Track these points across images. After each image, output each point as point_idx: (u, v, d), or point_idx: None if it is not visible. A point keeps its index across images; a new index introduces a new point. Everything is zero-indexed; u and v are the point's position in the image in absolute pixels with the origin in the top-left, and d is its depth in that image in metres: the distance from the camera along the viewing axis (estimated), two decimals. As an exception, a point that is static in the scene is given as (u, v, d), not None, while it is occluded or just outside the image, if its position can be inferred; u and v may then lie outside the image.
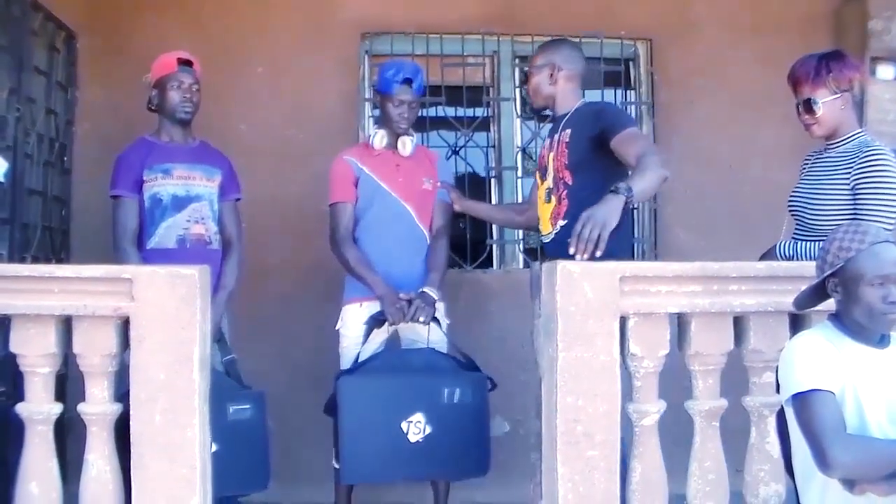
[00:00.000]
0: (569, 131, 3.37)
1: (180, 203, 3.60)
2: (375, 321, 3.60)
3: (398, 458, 3.35)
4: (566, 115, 3.44)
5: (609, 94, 4.91)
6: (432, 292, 3.59)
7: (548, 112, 3.67)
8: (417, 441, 3.35)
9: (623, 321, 2.64)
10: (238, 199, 3.82)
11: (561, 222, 3.36)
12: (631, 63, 4.97)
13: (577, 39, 4.69)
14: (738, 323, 2.75)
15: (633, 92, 4.97)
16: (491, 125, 4.99)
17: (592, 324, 2.58)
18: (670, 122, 4.82)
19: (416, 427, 3.35)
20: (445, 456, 3.38)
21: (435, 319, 3.60)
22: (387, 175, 3.72)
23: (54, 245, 4.33)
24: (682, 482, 2.75)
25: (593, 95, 4.85)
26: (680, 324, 2.76)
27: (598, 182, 3.05)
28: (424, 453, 3.34)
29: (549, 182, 3.45)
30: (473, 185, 4.88)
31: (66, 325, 2.58)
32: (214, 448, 3.18)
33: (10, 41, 3.83)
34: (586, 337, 2.58)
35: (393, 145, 3.71)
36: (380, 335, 3.63)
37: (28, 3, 3.96)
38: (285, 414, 3.87)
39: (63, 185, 4.46)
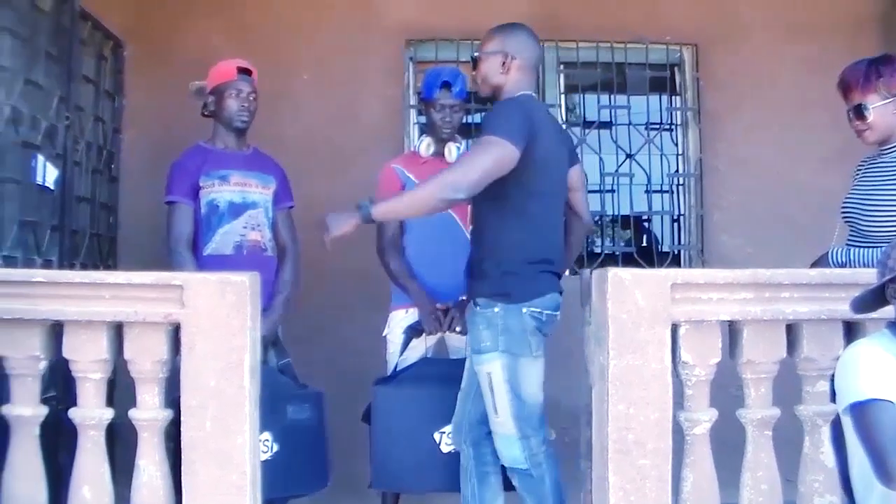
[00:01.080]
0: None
1: (237, 210, 3.60)
2: (413, 331, 3.59)
3: (430, 469, 3.34)
4: None
5: (654, 100, 4.87)
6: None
7: None
8: (450, 452, 3.34)
9: (674, 329, 2.61)
10: (291, 207, 3.83)
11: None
12: (676, 68, 4.94)
13: (622, 45, 4.74)
14: (791, 331, 2.71)
15: (678, 98, 4.93)
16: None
17: (644, 331, 2.56)
18: (716, 128, 4.78)
19: (450, 438, 3.34)
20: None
21: None
22: None
23: (102, 252, 4.38)
24: (728, 492, 2.70)
25: (639, 101, 4.85)
26: (731, 332, 2.72)
27: (493, 187, 2.93)
28: (457, 465, 3.29)
29: None
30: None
31: (118, 331, 2.59)
32: (276, 449, 3.29)
33: (60, 50, 3.87)
34: (637, 345, 2.55)
35: (440, 153, 3.70)
36: (420, 344, 3.62)
37: (76, 13, 4.01)
38: (333, 420, 3.85)
39: (111, 192, 4.51)
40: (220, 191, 3.58)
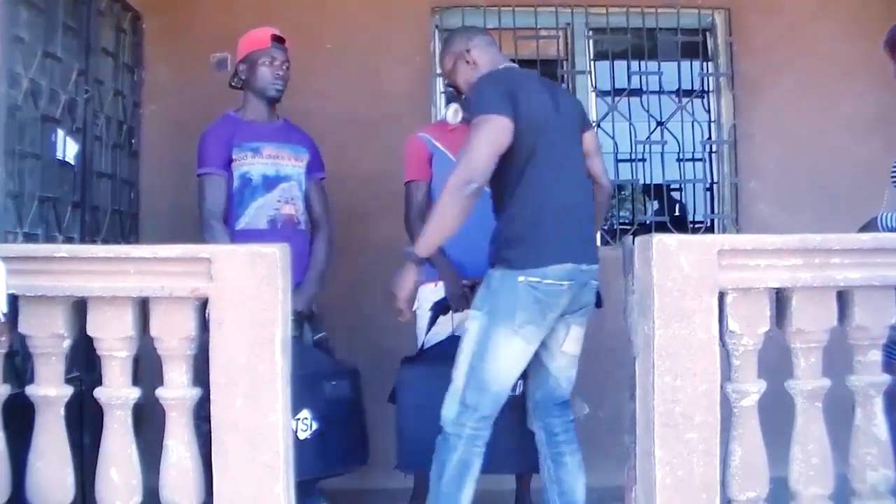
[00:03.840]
0: None
1: (270, 183, 3.53)
2: (440, 307, 3.50)
3: None
4: None
5: (686, 66, 4.75)
6: None
7: None
8: None
9: (721, 297, 2.50)
10: (323, 179, 3.75)
11: None
12: (708, 33, 4.80)
13: (652, 10, 4.61)
14: (842, 298, 2.59)
15: (710, 63, 4.80)
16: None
17: (690, 300, 2.46)
18: (751, 94, 4.64)
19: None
20: (507, 449, 3.21)
21: None
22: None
23: (123, 228, 4.30)
24: (775, 465, 2.59)
25: (670, 68, 4.72)
26: (780, 299, 2.61)
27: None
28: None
29: None
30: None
31: (143, 307, 2.51)
32: (315, 427, 3.23)
33: (78, 23, 3.78)
34: (683, 313, 2.46)
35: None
36: (447, 321, 3.52)
37: (94, -17, 3.92)
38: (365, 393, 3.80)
39: (131, 167, 4.42)
40: (253, 163, 3.51)
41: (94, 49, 3.90)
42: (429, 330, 3.50)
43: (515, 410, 3.16)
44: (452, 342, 3.39)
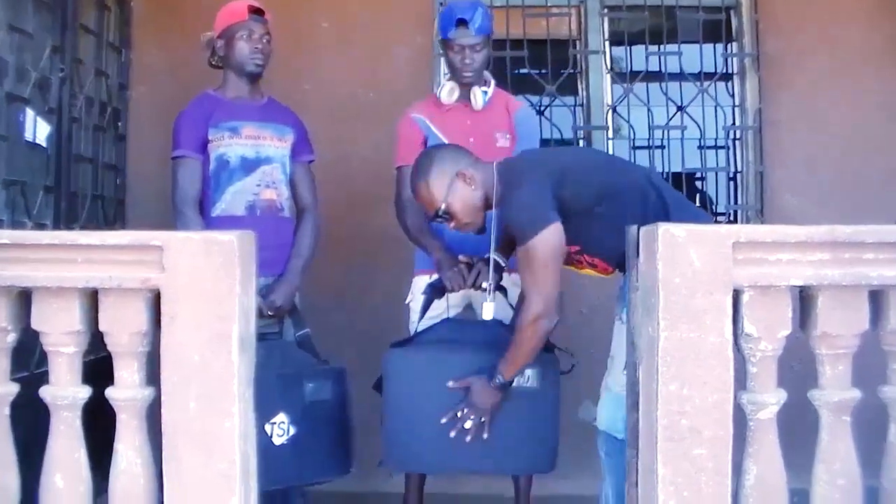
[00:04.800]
0: None
1: (249, 165, 3.31)
2: (434, 290, 3.22)
3: (451, 447, 2.93)
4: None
5: (708, 47, 4.50)
6: (500, 259, 3.12)
7: None
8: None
9: (736, 295, 2.22)
10: (311, 161, 3.53)
11: None
12: (732, 11, 4.53)
13: None
14: (874, 298, 2.31)
15: (735, 44, 4.53)
16: (578, 82, 4.61)
17: (700, 298, 2.17)
18: (778, 77, 4.38)
19: None
20: (507, 446, 2.97)
21: (501, 288, 3.17)
22: (457, 135, 3.32)
23: (107, 215, 4.12)
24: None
25: (691, 49, 4.46)
26: (803, 299, 2.32)
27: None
28: (482, 442, 2.93)
29: None
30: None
31: (93, 299, 2.27)
32: (293, 432, 3.02)
33: (52, -2, 3.56)
34: (693, 314, 2.17)
35: (465, 98, 3.33)
36: (441, 306, 3.26)
37: (70, -44, 3.70)
38: (353, 394, 3.57)
39: (118, 151, 4.24)
40: (231, 144, 3.30)
41: (70, 25, 3.69)
42: (422, 315, 3.23)
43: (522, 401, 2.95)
44: (450, 325, 3.17)
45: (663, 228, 2.18)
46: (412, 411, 2.95)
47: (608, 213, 2.78)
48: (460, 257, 3.18)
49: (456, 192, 2.87)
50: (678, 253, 2.18)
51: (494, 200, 2.87)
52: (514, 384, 2.90)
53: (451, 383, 2.92)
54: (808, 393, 2.32)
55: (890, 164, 4.12)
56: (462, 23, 3.24)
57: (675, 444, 2.18)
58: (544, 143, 4.09)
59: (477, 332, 3.12)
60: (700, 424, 2.18)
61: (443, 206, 2.88)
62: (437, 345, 3.05)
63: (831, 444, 2.31)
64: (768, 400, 2.28)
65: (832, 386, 2.31)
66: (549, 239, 2.69)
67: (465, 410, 2.86)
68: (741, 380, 2.27)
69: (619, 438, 2.76)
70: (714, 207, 4.74)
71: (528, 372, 2.94)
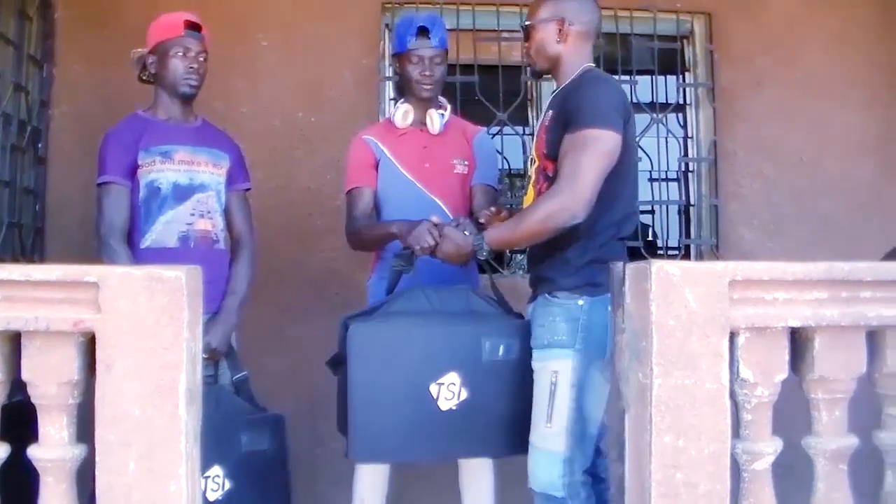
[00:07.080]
0: (551, 113, 2.78)
1: (183, 193, 3.08)
2: (401, 258, 2.84)
3: (425, 432, 2.70)
4: (562, 87, 2.83)
5: (661, 78, 4.42)
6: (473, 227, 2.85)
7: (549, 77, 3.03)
8: (450, 409, 2.69)
9: (731, 338, 2.07)
10: (248, 190, 3.31)
11: None
12: (686, 40, 4.48)
13: (626, 14, 4.25)
14: (871, 339, 2.18)
15: (689, 74, 4.48)
16: (529, 110, 4.50)
17: (696, 342, 2.02)
18: (733, 108, 4.32)
19: (449, 391, 2.68)
20: (485, 428, 2.76)
21: (488, 263, 2.92)
22: (411, 160, 3.14)
23: (24, 244, 3.83)
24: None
25: (644, 79, 4.37)
26: (796, 340, 2.17)
27: None
28: (458, 425, 2.70)
29: (531, 170, 2.89)
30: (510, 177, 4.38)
31: (15, 343, 2.01)
32: (228, 487, 2.82)
33: (-40, 3, 3.30)
34: (688, 359, 2.02)
35: (420, 121, 3.14)
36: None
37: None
38: (297, 442, 3.34)
39: (37, 175, 3.96)
40: (163, 170, 3.06)
41: (-19, 34, 3.41)
42: (389, 292, 2.89)
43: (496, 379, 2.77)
44: (421, 293, 2.84)
45: (657, 266, 2.01)
46: (382, 395, 2.67)
47: (613, 182, 2.66)
48: (432, 217, 2.85)
49: (543, 29, 2.83)
50: (672, 292, 2.02)
51: (564, 77, 2.80)
52: (495, 358, 2.75)
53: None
54: (802, 440, 2.19)
55: (847, 196, 4.07)
56: (423, 32, 3.07)
57: (669, 500, 2.03)
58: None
59: (451, 300, 2.84)
60: (695, 478, 2.03)
61: (529, 27, 2.86)
62: (407, 317, 2.74)
63: (828, 494, 2.18)
64: (764, 449, 2.13)
65: (829, 433, 2.18)
66: (609, 140, 2.61)
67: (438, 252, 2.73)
68: (734, 427, 2.11)
69: (558, 497, 2.65)
70: (666, 242, 4.63)
71: (509, 342, 2.76)
